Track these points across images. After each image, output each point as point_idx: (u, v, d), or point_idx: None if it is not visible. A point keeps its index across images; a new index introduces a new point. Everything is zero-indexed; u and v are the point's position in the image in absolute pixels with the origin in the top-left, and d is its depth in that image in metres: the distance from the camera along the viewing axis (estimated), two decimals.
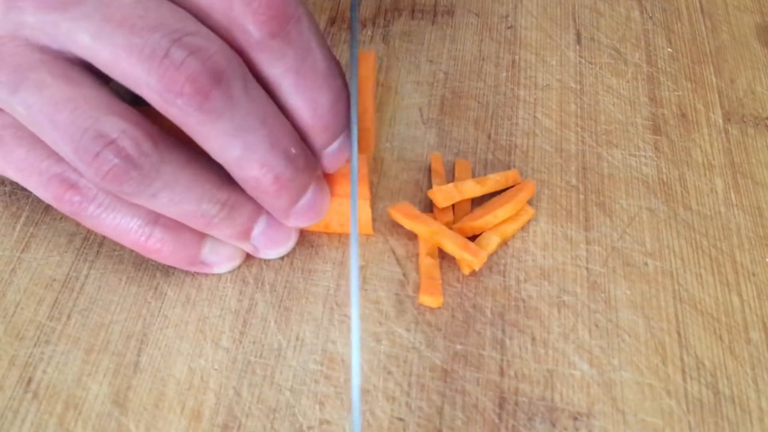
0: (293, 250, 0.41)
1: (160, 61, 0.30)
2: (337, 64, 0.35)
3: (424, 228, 0.40)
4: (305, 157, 0.35)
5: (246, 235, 0.38)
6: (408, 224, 0.40)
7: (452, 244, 0.39)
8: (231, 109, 0.31)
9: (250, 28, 0.31)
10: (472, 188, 0.42)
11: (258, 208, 0.37)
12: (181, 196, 0.34)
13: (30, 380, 0.36)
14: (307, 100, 0.34)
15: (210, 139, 0.32)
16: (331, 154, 0.37)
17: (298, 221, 0.38)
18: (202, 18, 0.32)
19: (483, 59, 0.50)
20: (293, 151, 0.34)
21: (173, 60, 0.30)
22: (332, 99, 0.35)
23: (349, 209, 0.38)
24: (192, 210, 0.34)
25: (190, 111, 0.30)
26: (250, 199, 0.36)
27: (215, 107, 0.31)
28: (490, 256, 0.41)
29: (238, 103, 0.31)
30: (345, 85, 0.36)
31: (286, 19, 0.32)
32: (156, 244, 0.36)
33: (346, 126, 0.37)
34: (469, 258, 0.39)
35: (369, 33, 0.52)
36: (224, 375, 0.37)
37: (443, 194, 0.41)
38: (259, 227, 0.38)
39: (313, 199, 0.37)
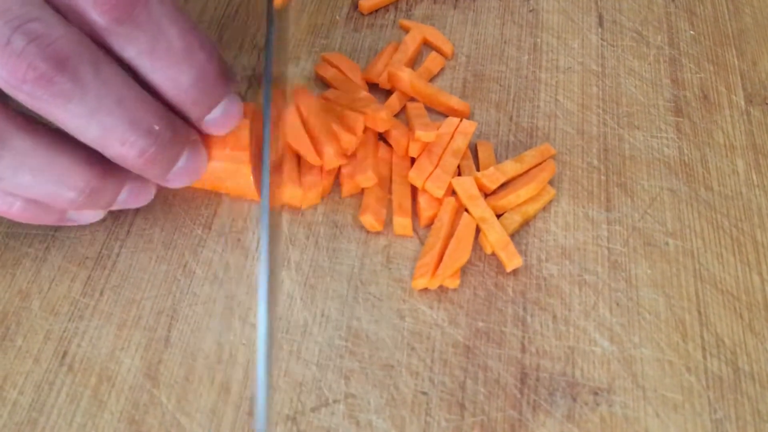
0: (318, 230, 0.42)
1: (2, 50, 0.30)
2: (200, 37, 0.35)
3: (477, 212, 0.41)
4: (173, 131, 0.36)
5: (109, 207, 0.39)
6: (466, 202, 0.41)
7: (495, 238, 0.40)
8: (81, 92, 0.32)
9: (93, 17, 0.32)
10: (513, 167, 0.43)
11: (120, 183, 0.38)
12: (30, 181, 0.34)
13: (65, 354, 0.38)
14: (166, 79, 0.34)
15: (65, 121, 0.32)
16: (212, 122, 0.38)
17: (175, 184, 0.38)
18: (52, 2, 0.32)
19: (505, 42, 0.51)
20: (157, 127, 0.35)
21: (14, 48, 0.30)
22: (194, 75, 0.35)
23: (244, 176, 0.40)
24: (46, 194, 0.35)
25: (37, 96, 0.31)
26: (111, 178, 0.37)
27: (62, 91, 0.31)
28: (513, 236, 0.42)
29: (88, 86, 0.32)
30: (211, 58, 0.36)
31: (131, 5, 0.32)
32: (20, 212, 0.37)
33: (226, 93, 0.38)
34: (504, 259, 0.40)
35: (392, 17, 0.53)
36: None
37: (489, 178, 0.42)
38: (122, 196, 0.38)
39: (188, 163, 0.38)
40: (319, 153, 0.42)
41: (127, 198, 0.38)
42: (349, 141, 0.42)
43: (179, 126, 0.36)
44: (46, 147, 0.34)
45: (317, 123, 0.42)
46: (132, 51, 0.33)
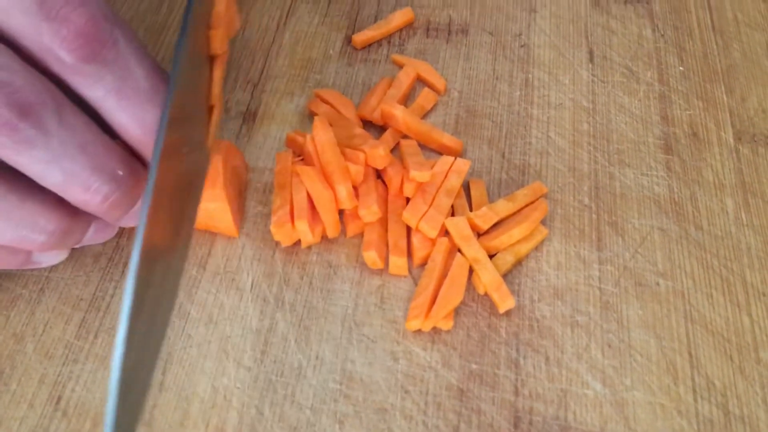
0: (312, 270, 0.42)
1: None
2: (165, 77, 0.35)
3: (470, 252, 0.41)
4: (136, 175, 0.36)
5: (76, 245, 0.39)
6: (459, 243, 0.42)
7: (488, 279, 0.40)
8: (44, 139, 0.32)
9: (62, 55, 0.32)
10: (506, 207, 0.43)
11: (89, 221, 0.38)
12: (0, 226, 0.34)
13: (59, 398, 0.38)
14: (133, 120, 0.34)
15: (28, 167, 0.32)
16: None
17: (128, 224, 0.38)
18: (14, 44, 0.32)
19: (497, 78, 0.51)
20: (120, 173, 0.35)
21: None
22: (159, 115, 0.35)
23: (221, 213, 0.41)
24: (15, 238, 0.35)
25: (1, 142, 0.31)
26: (80, 218, 0.37)
27: (26, 138, 0.31)
28: (505, 276, 0.42)
29: (51, 133, 0.32)
30: None
31: (99, 44, 0.32)
32: None
33: None
34: (497, 300, 0.40)
35: (384, 52, 0.53)
36: (246, 394, 0.38)
37: (482, 218, 0.43)
38: (88, 234, 0.38)
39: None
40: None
41: (93, 235, 0.39)
42: (357, 173, 0.42)
43: (140, 169, 0.36)
44: (16, 191, 0.34)
45: (332, 158, 0.42)
46: (98, 91, 0.33)
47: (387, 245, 0.43)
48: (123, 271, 0.42)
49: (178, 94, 0.34)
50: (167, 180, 0.33)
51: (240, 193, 0.44)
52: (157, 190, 0.32)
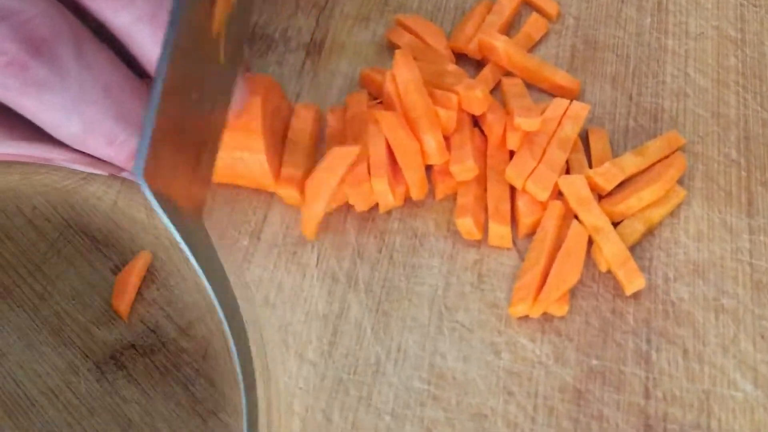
0: (393, 241, 0.39)
1: None
2: None
3: (589, 219, 0.38)
4: None
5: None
6: (576, 207, 0.38)
7: (611, 252, 0.37)
8: (60, 79, 0.30)
9: None
10: (633, 162, 0.40)
11: None
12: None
13: None
14: None
15: (38, 113, 0.31)
16: None
17: None
18: None
19: (622, 1, 0.47)
20: None
21: None
22: None
23: (258, 164, 0.38)
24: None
25: (7, 84, 0.29)
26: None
27: (38, 78, 0.29)
28: (633, 249, 0.38)
29: (69, 72, 0.30)
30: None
31: None
32: None
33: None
34: (623, 278, 0.37)
35: None
36: (311, 395, 0.35)
37: (604, 176, 0.39)
38: None
39: None
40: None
41: None
42: (448, 119, 0.38)
43: None
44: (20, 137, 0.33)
45: (418, 101, 0.38)
46: (128, 16, 0.31)
47: (485, 210, 0.40)
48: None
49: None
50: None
51: (282, 140, 0.41)
52: None
